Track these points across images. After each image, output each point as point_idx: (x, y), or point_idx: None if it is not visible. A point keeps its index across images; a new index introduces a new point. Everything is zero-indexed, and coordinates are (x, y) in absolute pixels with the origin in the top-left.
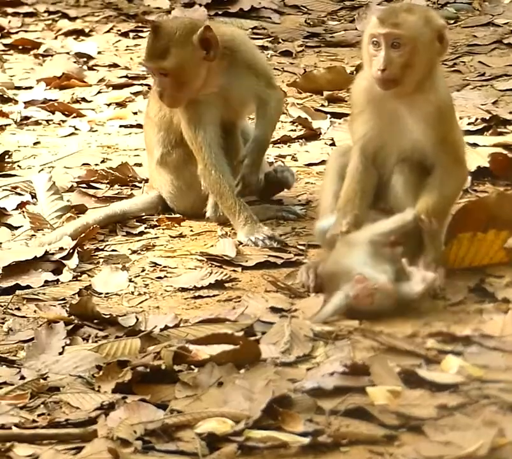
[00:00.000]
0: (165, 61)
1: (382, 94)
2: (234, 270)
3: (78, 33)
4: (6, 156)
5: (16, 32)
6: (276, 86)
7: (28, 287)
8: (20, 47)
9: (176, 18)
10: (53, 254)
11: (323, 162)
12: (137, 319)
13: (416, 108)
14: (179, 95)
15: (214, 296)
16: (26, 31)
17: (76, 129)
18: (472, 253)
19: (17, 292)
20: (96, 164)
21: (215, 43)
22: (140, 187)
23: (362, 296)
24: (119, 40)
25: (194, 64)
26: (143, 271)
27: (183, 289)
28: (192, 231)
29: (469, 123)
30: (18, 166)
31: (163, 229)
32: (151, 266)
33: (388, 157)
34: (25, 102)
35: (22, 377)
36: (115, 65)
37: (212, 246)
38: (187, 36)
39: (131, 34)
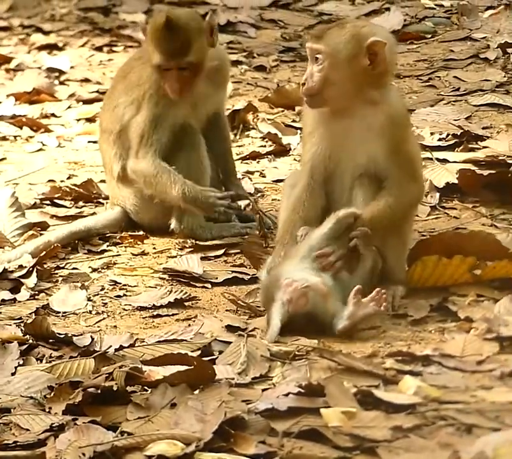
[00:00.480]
0: (188, 56)
1: (332, 112)
2: (203, 287)
3: (52, 47)
4: None
5: None
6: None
7: None
8: None
9: (181, 9)
10: (11, 272)
11: None
12: (93, 339)
13: (368, 121)
14: (192, 84)
15: (173, 315)
16: None
17: (43, 144)
18: (436, 275)
19: None
20: (62, 181)
21: (216, 29)
22: (104, 204)
23: (295, 299)
24: (93, 55)
25: (206, 52)
26: (102, 289)
27: (142, 308)
28: (154, 248)
29: (440, 139)
30: None
31: (125, 246)
32: (110, 285)
33: (343, 174)
34: None
35: None
36: (87, 80)
37: (174, 263)
38: (199, 25)
39: (105, 49)
